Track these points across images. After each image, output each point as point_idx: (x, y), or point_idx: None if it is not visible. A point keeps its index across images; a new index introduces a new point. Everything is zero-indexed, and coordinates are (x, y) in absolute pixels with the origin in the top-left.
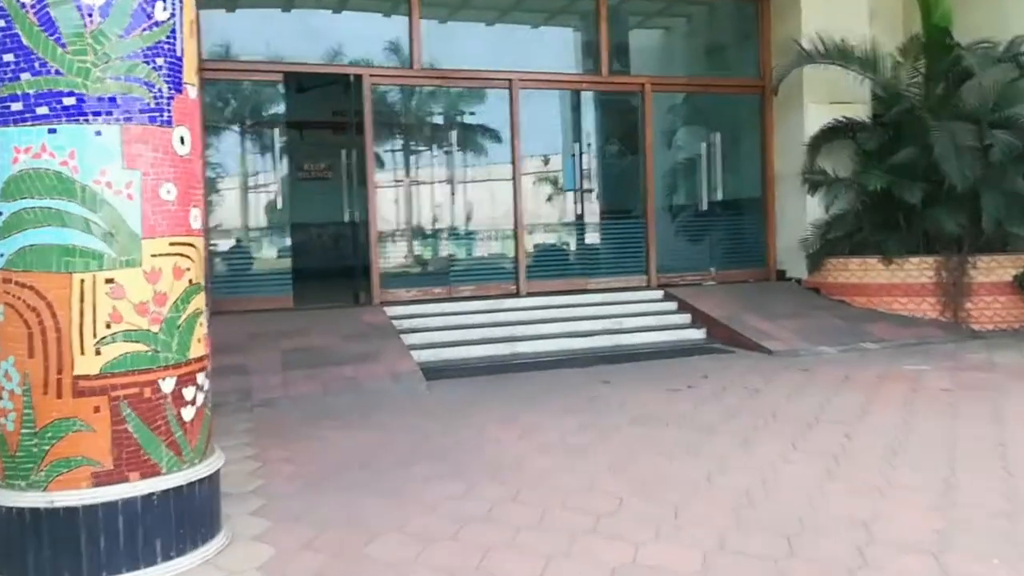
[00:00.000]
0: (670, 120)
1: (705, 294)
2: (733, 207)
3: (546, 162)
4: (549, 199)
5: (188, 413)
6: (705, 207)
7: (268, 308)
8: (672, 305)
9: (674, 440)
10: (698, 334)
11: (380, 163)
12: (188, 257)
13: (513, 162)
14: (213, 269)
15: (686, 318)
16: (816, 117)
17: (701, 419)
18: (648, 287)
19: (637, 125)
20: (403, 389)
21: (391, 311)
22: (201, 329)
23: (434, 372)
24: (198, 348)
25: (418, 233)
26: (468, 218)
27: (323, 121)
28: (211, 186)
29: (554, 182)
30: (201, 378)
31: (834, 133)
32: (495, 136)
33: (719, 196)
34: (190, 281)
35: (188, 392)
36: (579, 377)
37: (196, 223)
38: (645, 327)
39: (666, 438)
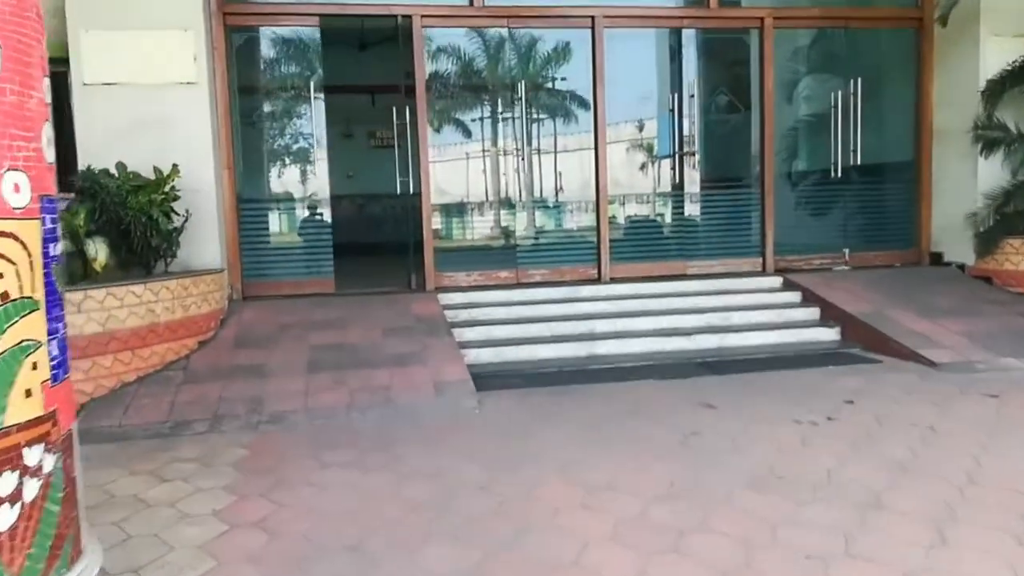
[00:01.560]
0: (795, 65)
1: (837, 282)
2: (874, 173)
3: (636, 120)
4: (640, 165)
5: (5, 517)
6: (838, 173)
7: (304, 293)
8: (794, 296)
9: (818, 523)
10: (830, 335)
11: (434, 126)
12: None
13: (595, 119)
14: (242, 251)
15: (813, 313)
16: (997, 55)
17: (855, 483)
18: (763, 272)
19: (752, 72)
20: (446, 405)
21: (446, 299)
22: (35, 374)
23: (489, 379)
24: (27, 406)
25: (480, 206)
26: (540, 188)
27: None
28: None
29: (646, 144)
30: (35, 455)
31: (1021, 76)
32: (573, 89)
33: (856, 160)
34: (4, 296)
35: (5, 481)
36: (673, 394)
37: (18, 197)
38: (760, 324)
39: (804, 519)
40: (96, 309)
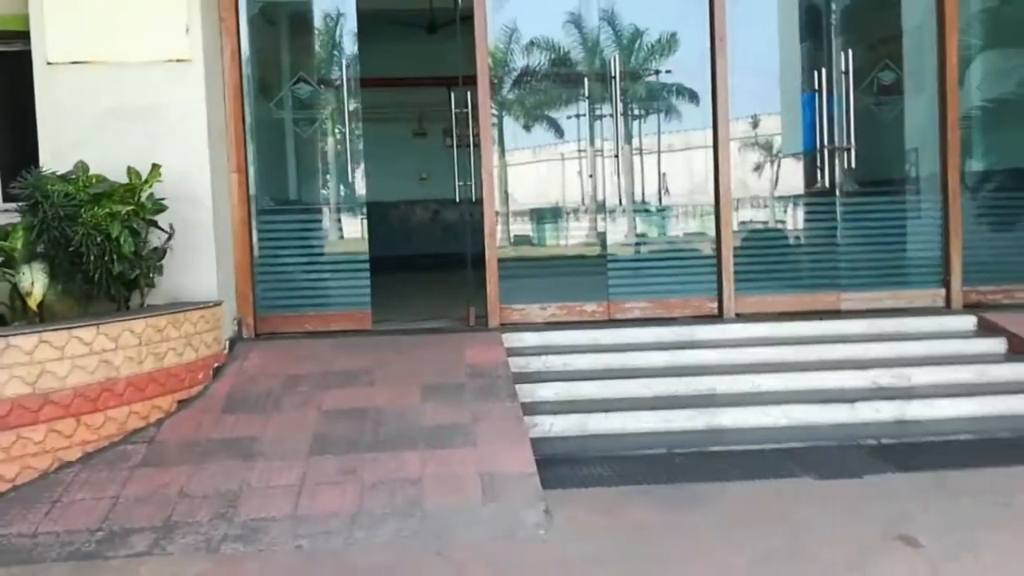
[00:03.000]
0: (966, 37)
1: None
2: None
3: (764, 106)
4: (771, 163)
5: None
6: None
7: (332, 330)
8: (995, 344)
9: None
10: None
11: (499, 119)
12: None
13: (714, 102)
14: (255, 277)
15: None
16: None
17: None
18: (947, 309)
19: (925, 39)
20: (497, 518)
21: (513, 340)
22: None
23: (566, 467)
24: None
25: (559, 218)
26: (638, 193)
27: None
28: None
29: (776, 137)
30: None
31: None
32: (682, 66)
33: None
34: None
35: None
36: (844, 512)
37: None
38: (951, 386)
39: None
40: (21, 363)
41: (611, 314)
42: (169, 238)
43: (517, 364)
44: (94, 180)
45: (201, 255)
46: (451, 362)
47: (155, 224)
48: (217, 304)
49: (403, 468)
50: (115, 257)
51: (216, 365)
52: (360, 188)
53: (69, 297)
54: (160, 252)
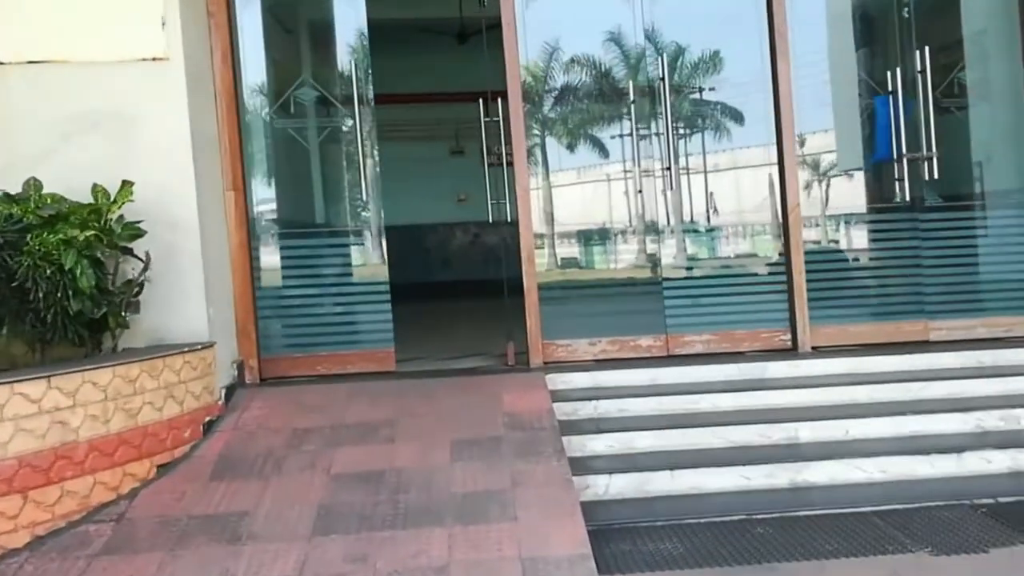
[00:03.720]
0: None
1: None
2: None
3: (830, 111)
4: (845, 173)
5: None
6: None
7: (349, 373)
8: None
9: None
10: None
11: (541, 136)
12: None
13: (776, 111)
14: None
15: None
16: None
17: None
18: None
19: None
20: None
21: (559, 382)
22: None
23: (628, 537)
24: None
25: (606, 242)
26: (696, 215)
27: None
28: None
29: (843, 145)
30: None
31: None
32: (737, 62)
33: None
34: None
35: None
36: None
37: None
38: None
39: None
40: None
41: (670, 349)
42: (145, 268)
43: (564, 411)
44: (48, 200)
45: (188, 288)
46: (487, 410)
47: (129, 252)
48: (207, 346)
49: (426, 551)
50: (71, 293)
51: (208, 419)
52: (379, 210)
53: (19, 342)
54: (135, 286)
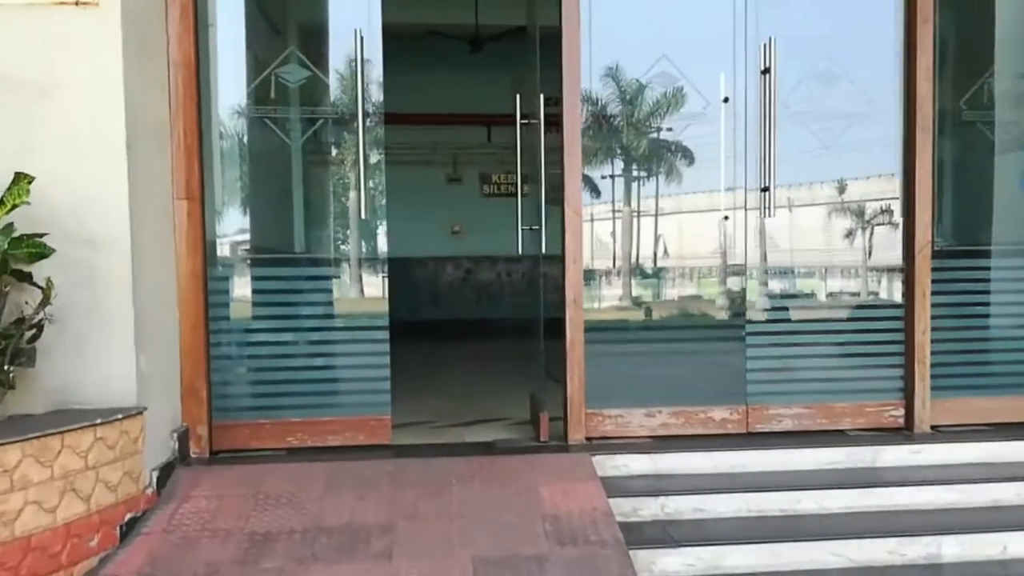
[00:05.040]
0: None
1: None
2: None
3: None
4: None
5: None
6: None
7: (331, 446)
8: None
9: None
10: None
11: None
12: None
13: (909, 131)
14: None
15: None
16: None
17: None
18: None
19: None
20: None
21: (610, 466)
22: None
23: None
24: None
25: (666, 279)
26: (784, 247)
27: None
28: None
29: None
30: None
31: None
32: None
33: None
34: None
35: None
36: None
37: None
38: None
39: None
40: None
41: (750, 424)
42: (44, 302)
43: (621, 510)
44: None
45: (110, 330)
46: (520, 511)
47: (23, 278)
48: (133, 414)
49: None
50: None
51: (129, 516)
52: (378, 234)
53: None
54: (29, 326)
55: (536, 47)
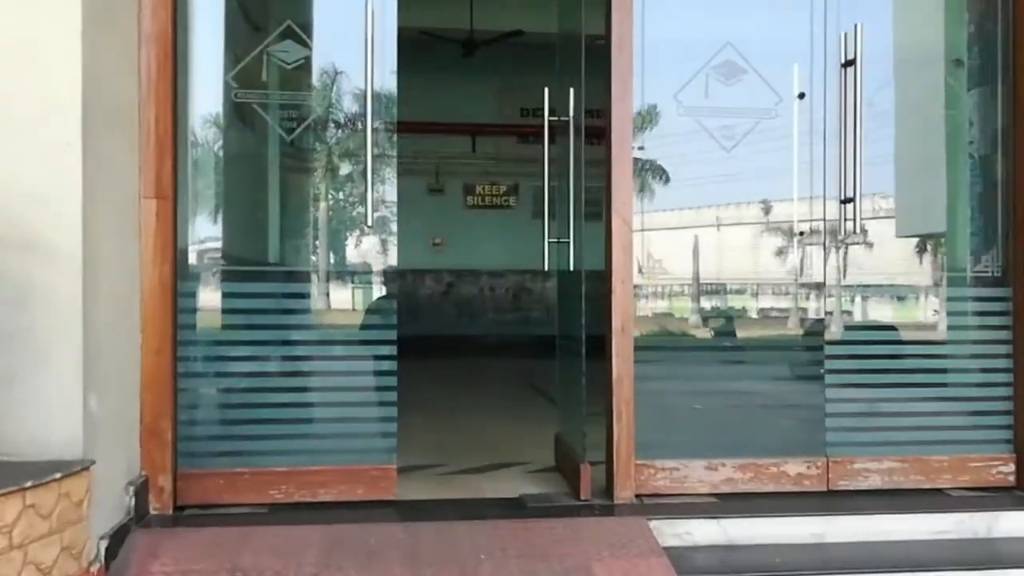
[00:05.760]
0: None
1: None
2: None
3: None
4: None
5: None
6: None
7: (319, 502)
8: None
9: None
10: None
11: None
12: None
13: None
14: (179, 399)
15: None
16: None
17: None
18: None
19: None
20: None
21: (669, 534)
22: None
23: None
24: None
25: (729, 306)
26: (857, 266)
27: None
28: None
29: None
30: None
31: None
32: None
33: None
34: None
35: None
36: None
37: None
38: None
39: None
40: None
41: (831, 481)
42: None
43: None
44: None
45: (50, 360)
46: None
47: None
48: (77, 470)
49: None
50: None
51: None
52: (385, 245)
53: None
54: None
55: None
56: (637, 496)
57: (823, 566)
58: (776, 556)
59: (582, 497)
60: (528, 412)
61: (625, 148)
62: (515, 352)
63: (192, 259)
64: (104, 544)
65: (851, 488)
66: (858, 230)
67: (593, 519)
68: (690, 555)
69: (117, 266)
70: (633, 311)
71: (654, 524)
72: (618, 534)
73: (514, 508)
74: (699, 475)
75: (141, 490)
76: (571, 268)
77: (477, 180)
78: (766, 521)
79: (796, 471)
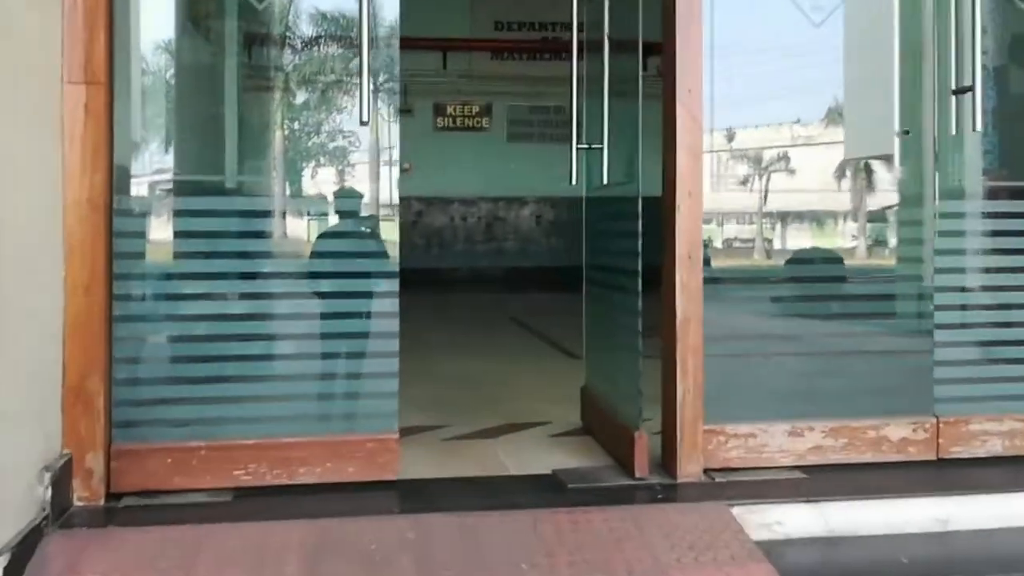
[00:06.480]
0: None
1: None
2: None
3: None
4: None
5: None
6: None
7: (299, 484)
8: None
9: None
10: None
11: None
12: None
13: None
14: (125, 324)
15: None
16: None
17: None
18: None
19: None
20: None
21: (755, 522)
22: None
23: None
24: None
25: (816, 235)
26: (971, 179)
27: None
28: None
29: None
30: None
31: None
32: None
33: None
34: None
35: None
36: None
37: None
38: None
39: None
40: None
41: (942, 448)
42: None
43: None
44: None
45: None
46: None
47: None
48: None
49: None
50: None
51: None
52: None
53: None
54: None
55: None
56: (706, 471)
57: (945, 567)
58: (900, 552)
59: (637, 475)
60: (522, 353)
61: (694, 18)
62: (490, 285)
63: (133, 166)
64: (3, 562)
65: (965, 456)
66: (977, 127)
67: (658, 507)
68: (782, 551)
69: (26, 175)
70: (701, 236)
71: (736, 512)
72: (697, 528)
73: (551, 491)
74: (780, 442)
75: (62, 476)
76: (604, 181)
77: (448, 100)
78: (875, 504)
79: (899, 435)
